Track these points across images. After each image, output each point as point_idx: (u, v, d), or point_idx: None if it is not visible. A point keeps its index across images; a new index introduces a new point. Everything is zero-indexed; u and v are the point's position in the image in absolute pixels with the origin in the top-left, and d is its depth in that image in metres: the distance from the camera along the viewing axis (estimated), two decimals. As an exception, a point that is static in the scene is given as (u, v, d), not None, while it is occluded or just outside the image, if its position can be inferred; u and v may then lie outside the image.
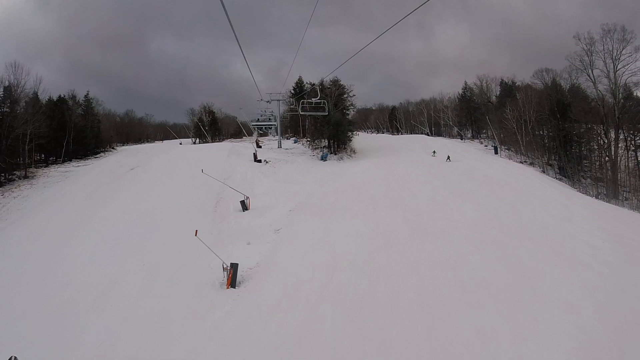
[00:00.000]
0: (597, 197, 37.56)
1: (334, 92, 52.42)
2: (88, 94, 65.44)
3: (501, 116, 61.51)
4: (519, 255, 18.66)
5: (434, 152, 51.43)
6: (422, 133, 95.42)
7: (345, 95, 55.18)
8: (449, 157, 47.20)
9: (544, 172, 47.62)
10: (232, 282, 17.22)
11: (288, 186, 35.50)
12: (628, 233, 21.97)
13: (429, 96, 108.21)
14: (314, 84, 59.12)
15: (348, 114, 55.23)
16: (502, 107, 67.00)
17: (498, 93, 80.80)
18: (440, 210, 26.74)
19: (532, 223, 23.71)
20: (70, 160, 53.99)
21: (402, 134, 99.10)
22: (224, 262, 17.34)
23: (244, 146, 55.94)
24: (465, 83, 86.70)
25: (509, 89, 73.85)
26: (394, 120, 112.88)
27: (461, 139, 76.59)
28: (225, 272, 17.35)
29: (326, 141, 52.41)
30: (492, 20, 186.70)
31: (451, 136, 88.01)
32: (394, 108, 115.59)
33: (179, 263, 20.30)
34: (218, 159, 47.80)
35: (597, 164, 50.67)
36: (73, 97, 61.59)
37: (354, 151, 52.06)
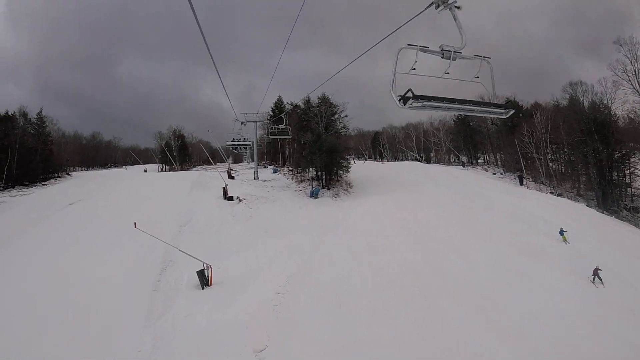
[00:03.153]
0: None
1: (324, 112, 41.89)
2: (41, 111, 55.97)
3: (517, 139, 52.71)
4: None
5: (562, 232, 24.70)
6: (408, 159, 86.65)
7: (336, 116, 44.84)
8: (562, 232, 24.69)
9: (588, 206, 38.40)
10: None
11: (271, 240, 24.46)
12: None
13: (410, 121, 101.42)
14: (296, 105, 49.35)
15: (340, 137, 44.55)
16: (512, 128, 58.77)
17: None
18: (535, 296, 16.24)
19: None
20: (13, 187, 45.23)
21: (387, 161, 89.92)
22: None
23: (213, 176, 44.89)
24: (462, 103, 78.63)
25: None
26: (378, 146, 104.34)
27: (463, 166, 67.37)
28: None
29: (314, 171, 41.61)
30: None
31: (446, 162, 79.41)
32: (377, 133, 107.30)
33: None
34: (178, 193, 36.75)
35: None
36: (24, 115, 52.88)
37: (349, 184, 41.09)
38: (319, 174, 40.80)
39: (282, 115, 46.18)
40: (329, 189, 38.43)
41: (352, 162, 43.74)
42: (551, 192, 44.65)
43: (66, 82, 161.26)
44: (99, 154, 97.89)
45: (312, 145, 38.07)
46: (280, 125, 44.96)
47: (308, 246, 22.56)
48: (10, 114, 50.26)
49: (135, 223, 18.56)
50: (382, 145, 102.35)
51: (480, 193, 37.52)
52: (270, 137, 48.95)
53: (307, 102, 45.98)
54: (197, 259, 18.49)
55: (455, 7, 7.23)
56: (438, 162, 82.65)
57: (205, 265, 18.43)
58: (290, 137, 46.53)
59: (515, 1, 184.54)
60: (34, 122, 54.03)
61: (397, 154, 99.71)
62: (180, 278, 19.12)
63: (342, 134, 45.71)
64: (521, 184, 47.56)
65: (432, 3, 7.25)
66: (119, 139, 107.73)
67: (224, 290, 17.74)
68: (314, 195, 36.54)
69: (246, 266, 20.45)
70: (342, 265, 19.24)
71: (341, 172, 40.34)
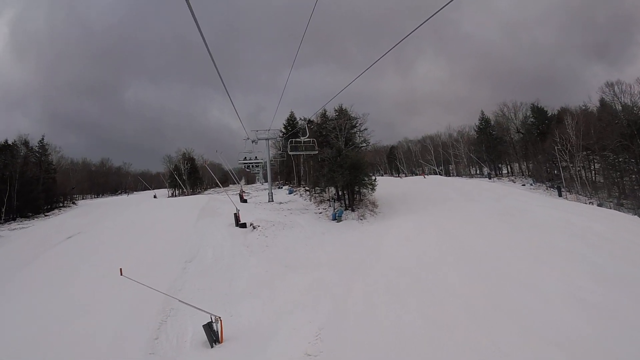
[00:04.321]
0: None
1: (344, 125, 38.26)
2: (43, 139, 54.56)
3: (550, 146, 49.07)
4: None
5: None
6: (423, 174, 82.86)
7: (355, 130, 41.27)
8: None
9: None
10: None
11: (292, 276, 20.65)
12: None
13: (427, 133, 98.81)
14: (310, 120, 45.78)
15: (361, 152, 40.73)
16: (539, 136, 55.29)
17: (521, 122, 68.85)
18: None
19: None
20: (14, 219, 42.85)
21: (405, 176, 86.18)
22: None
23: (224, 200, 41.55)
24: (482, 113, 75.28)
25: (543, 115, 61.63)
26: (394, 160, 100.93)
27: (489, 178, 63.33)
28: None
29: (334, 190, 37.75)
30: (470, 52, 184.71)
31: (468, 175, 75.58)
32: (392, 147, 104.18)
33: None
34: (185, 221, 33.48)
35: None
36: (25, 143, 51.36)
37: (374, 204, 37.19)
38: (341, 193, 36.97)
39: (305, 126, 41.10)
40: (353, 210, 34.43)
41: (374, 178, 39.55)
42: (590, 202, 40.55)
43: (74, 110, 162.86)
44: (109, 181, 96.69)
45: (332, 161, 34.25)
46: (303, 138, 38.98)
47: (338, 284, 18.64)
48: (10, 142, 48.08)
49: (120, 269, 14.90)
50: (398, 160, 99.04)
51: (521, 208, 33.39)
52: (290, 152, 41.45)
53: (324, 114, 42.50)
54: (203, 310, 14.77)
55: None
56: (458, 174, 79.08)
57: (213, 317, 14.70)
58: (317, 151, 39.99)
59: (521, 9, 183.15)
60: (36, 150, 52.13)
61: (413, 168, 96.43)
62: (183, 332, 15.38)
63: (363, 148, 41.99)
64: (559, 195, 43.38)
65: None
66: (128, 164, 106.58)
67: (238, 349, 13.93)
68: (337, 217, 32.61)
69: (264, 313, 16.69)
70: (384, 310, 15.25)
71: (365, 190, 36.41)
